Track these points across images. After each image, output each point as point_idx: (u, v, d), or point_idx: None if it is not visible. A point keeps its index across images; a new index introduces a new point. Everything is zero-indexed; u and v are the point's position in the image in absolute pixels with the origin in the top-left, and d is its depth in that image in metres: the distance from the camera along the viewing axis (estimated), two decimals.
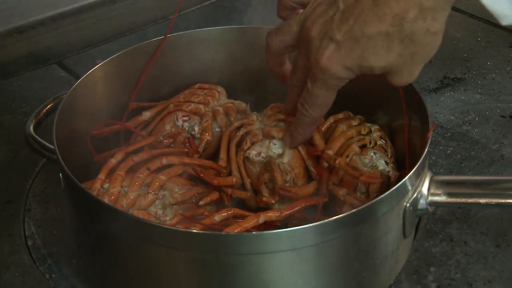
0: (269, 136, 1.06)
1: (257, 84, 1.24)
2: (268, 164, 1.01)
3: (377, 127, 1.10)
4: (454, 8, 1.76)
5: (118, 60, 1.15)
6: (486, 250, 1.06)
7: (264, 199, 0.97)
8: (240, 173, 1.04)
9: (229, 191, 1.00)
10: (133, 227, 0.83)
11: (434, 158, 1.25)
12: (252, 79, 1.25)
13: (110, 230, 0.87)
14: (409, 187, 0.88)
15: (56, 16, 1.75)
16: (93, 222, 0.90)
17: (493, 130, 1.32)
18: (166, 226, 0.84)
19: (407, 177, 0.86)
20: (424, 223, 1.11)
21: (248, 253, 0.81)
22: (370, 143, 1.06)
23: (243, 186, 1.04)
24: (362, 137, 1.07)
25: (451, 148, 1.28)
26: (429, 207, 0.93)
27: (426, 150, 0.90)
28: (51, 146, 0.98)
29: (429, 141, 0.92)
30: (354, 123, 1.10)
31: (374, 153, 1.03)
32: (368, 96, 1.15)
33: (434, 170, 1.23)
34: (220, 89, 1.22)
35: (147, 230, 0.83)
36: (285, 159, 1.03)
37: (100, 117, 1.12)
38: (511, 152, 1.26)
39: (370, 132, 1.09)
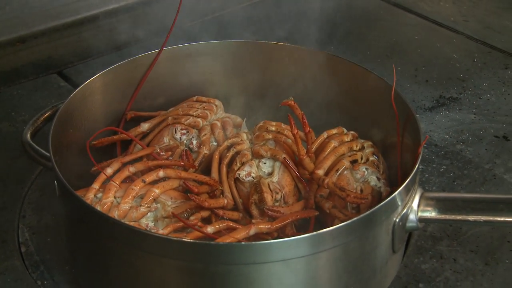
0: (258, 155, 1.07)
1: (254, 98, 1.26)
2: (258, 185, 1.03)
3: (370, 143, 1.11)
4: (451, 29, 1.79)
5: (116, 70, 1.17)
6: (475, 268, 1.07)
7: (253, 221, 0.98)
8: (232, 194, 1.06)
9: (220, 212, 1.01)
10: (125, 235, 0.85)
11: (427, 175, 1.27)
12: (249, 93, 1.27)
13: (103, 238, 0.88)
14: (399, 202, 0.89)
15: (59, 26, 1.77)
16: (86, 229, 0.91)
17: (486, 149, 1.34)
18: (158, 234, 0.86)
19: (397, 192, 0.87)
20: (415, 240, 1.12)
21: (237, 263, 0.81)
22: (361, 158, 1.07)
23: (236, 206, 1.06)
24: (354, 152, 1.08)
25: (444, 167, 1.29)
26: (419, 223, 0.94)
27: (417, 165, 0.92)
28: (47, 154, 0.99)
29: (420, 156, 0.94)
30: (346, 139, 1.11)
31: (366, 168, 1.05)
32: (363, 113, 1.17)
33: (427, 188, 1.24)
34: (217, 102, 1.23)
35: (139, 238, 0.84)
36: (275, 178, 1.04)
37: (97, 126, 1.14)
38: (503, 172, 1.27)
39: (362, 148, 1.10)
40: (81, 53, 1.67)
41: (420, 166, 1.26)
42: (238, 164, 1.07)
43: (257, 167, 1.06)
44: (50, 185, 1.20)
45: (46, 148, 0.99)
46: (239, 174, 1.05)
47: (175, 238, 0.85)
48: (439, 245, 1.11)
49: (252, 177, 1.05)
